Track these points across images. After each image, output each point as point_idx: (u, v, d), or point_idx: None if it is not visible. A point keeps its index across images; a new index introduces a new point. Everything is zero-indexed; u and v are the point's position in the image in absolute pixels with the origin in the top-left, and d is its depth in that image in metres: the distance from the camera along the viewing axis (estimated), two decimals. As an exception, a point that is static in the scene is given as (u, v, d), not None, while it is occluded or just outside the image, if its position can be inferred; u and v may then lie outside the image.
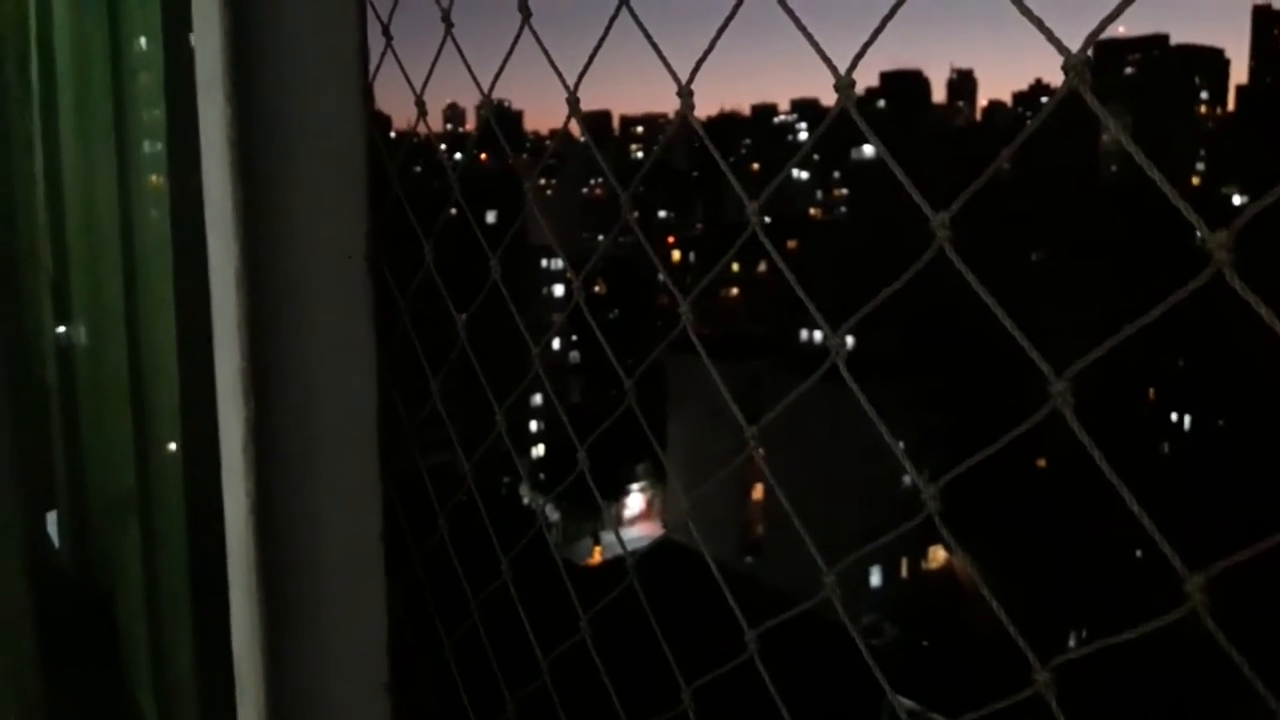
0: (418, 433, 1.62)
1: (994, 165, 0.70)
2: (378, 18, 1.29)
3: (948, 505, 0.79)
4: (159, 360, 1.76)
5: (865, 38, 0.75)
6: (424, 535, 1.54)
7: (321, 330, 1.13)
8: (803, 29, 0.81)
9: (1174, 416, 48.11)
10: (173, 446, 1.76)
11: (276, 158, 1.09)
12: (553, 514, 49.23)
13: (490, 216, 48.25)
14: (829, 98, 0.79)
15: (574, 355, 65.83)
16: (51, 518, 2.61)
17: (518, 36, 1.09)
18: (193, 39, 1.10)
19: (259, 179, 1.08)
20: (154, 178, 1.77)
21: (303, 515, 1.14)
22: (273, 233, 1.10)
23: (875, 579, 42.04)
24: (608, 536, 51.11)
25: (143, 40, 1.72)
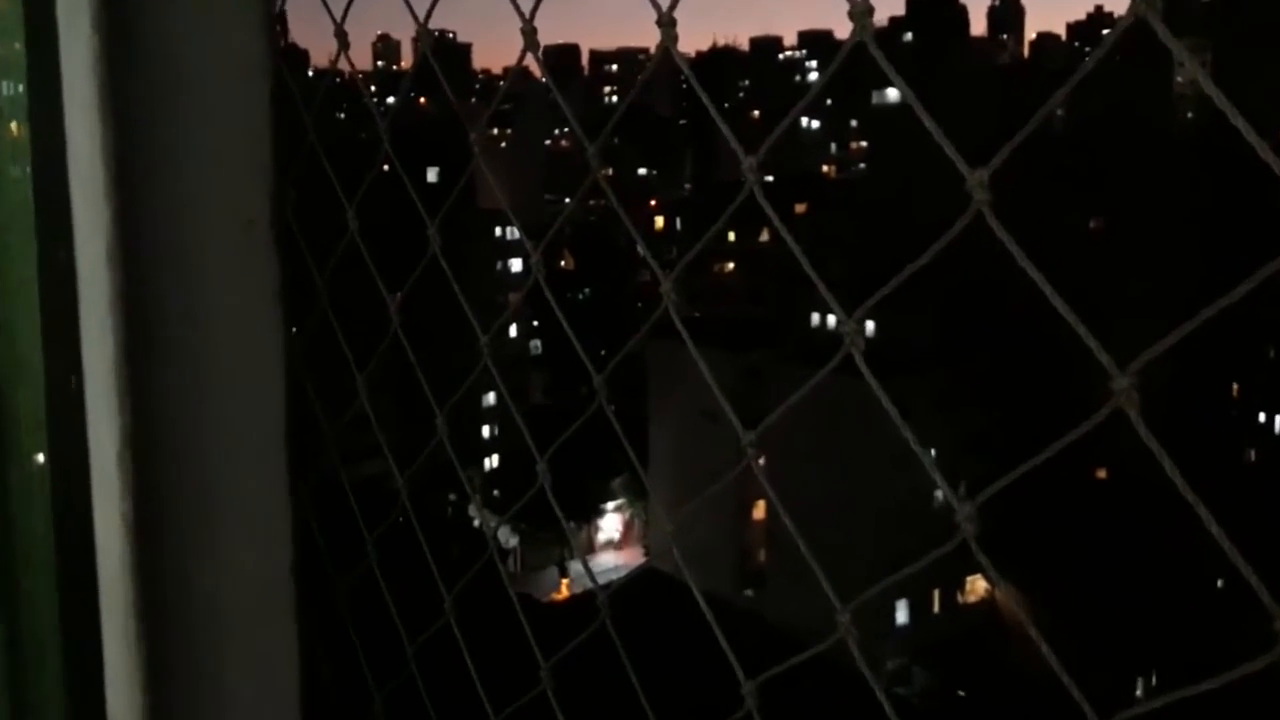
0: (340, 440, 1.61)
1: (1043, 111, 0.69)
2: (287, -72, 1.28)
3: (988, 526, 0.79)
4: (21, 353, 1.75)
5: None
6: (348, 567, 1.53)
7: (215, 315, 1.12)
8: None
9: (1262, 417, 48.60)
10: (39, 458, 1.75)
11: (157, 100, 1.08)
12: (509, 539, 49.23)
13: (431, 174, 48.07)
14: (844, 29, 0.79)
15: (535, 344, 65.84)
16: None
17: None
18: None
19: (135, 128, 1.07)
20: (13, 126, 1.75)
21: (193, 545, 1.13)
22: (153, 194, 1.08)
23: (901, 615, 42.30)
24: (576, 566, 51.15)
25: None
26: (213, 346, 1.13)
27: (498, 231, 58.97)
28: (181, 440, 1.12)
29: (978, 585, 44.20)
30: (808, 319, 48.88)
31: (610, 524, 58.44)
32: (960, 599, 44.35)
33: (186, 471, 1.12)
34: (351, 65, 1.46)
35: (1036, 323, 35.90)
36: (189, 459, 1.12)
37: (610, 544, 57.77)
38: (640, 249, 1.12)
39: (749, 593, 44.79)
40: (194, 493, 1.12)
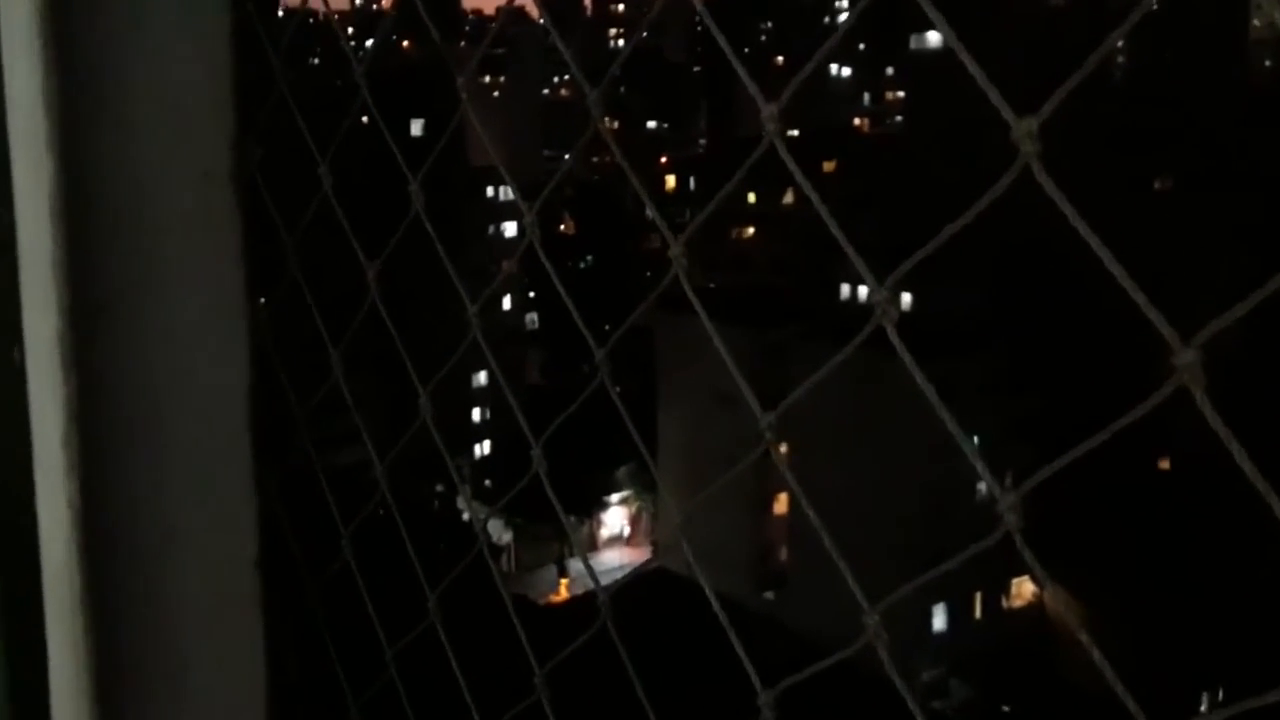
0: (313, 423, 1.62)
1: (1100, 52, 0.69)
2: None
3: (1037, 521, 0.79)
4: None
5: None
6: (321, 564, 1.54)
7: (171, 279, 1.12)
8: None
9: (1344, 401, 48.45)
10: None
11: (105, 38, 1.07)
12: (502, 534, 49.39)
13: (415, 126, 47.99)
14: (877, -38, 0.78)
15: (531, 318, 65.88)
16: None
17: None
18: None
19: (80, 69, 1.06)
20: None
21: (147, 534, 1.13)
22: (100, 143, 1.08)
23: (939, 621, 42.41)
24: (577, 564, 51.32)
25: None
26: (168, 314, 1.13)
27: (490, 191, 58.91)
28: (133, 418, 1.12)
29: (1025, 588, 44.26)
30: (837, 291, 48.84)
31: (614, 518, 58.56)
32: (1005, 603, 44.42)
33: (139, 453, 1.12)
34: (326, 3, 1.46)
35: (1093, 294, 35.86)
36: (142, 439, 1.12)
37: (615, 539, 57.95)
38: (649, 211, 1.12)
39: (769, 595, 44.90)
40: (147, 477, 1.13)
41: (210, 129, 1.13)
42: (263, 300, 1.31)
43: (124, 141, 1.09)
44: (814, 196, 0.96)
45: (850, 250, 0.91)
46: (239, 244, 1.15)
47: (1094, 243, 0.72)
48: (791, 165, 0.93)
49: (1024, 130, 0.72)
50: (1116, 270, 0.72)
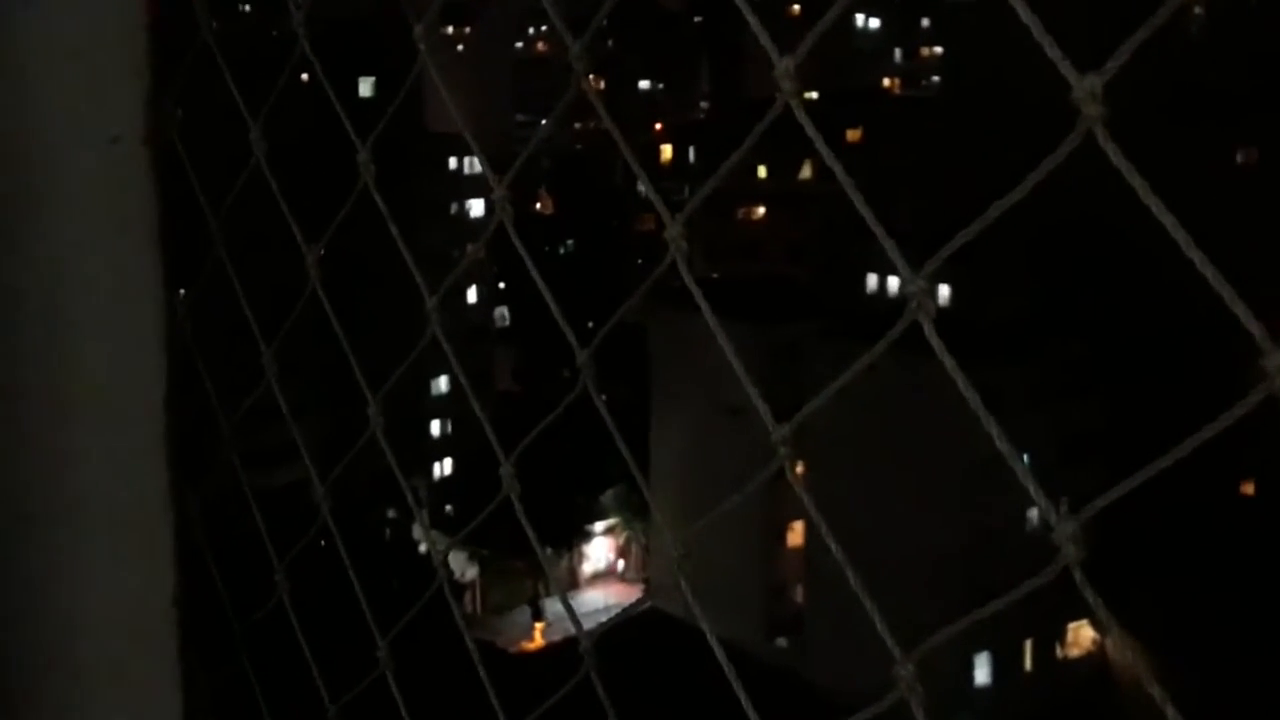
0: (242, 437, 1.61)
1: (1172, 1, 0.69)
2: None
3: (1100, 554, 0.79)
4: None
5: None
6: (251, 600, 1.54)
7: (73, 258, 1.12)
8: None
9: None
10: None
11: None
12: (466, 569, 49.40)
13: (364, 85, 48.02)
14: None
15: (502, 313, 65.92)
16: None
17: None
18: None
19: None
20: None
21: (46, 565, 1.13)
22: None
23: (982, 673, 42.46)
24: (555, 605, 51.36)
25: None
26: (68, 304, 1.12)
27: (453, 163, 58.95)
28: (29, 428, 1.12)
29: (1083, 634, 44.34)
30: (863, 281, 48.90)
31: (599, 550, 58.57)
32: (1060, 652, 44.49)
33: (32, 471, 1.12)
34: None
35: (1166, 285, 35.94)
36: (39, 453, 1.12)
37: (601, 575, 57.94)
38: (641, 186, 1.12)
39: (781, 641, 44.93)
40: (42, 498, 1.12)
41: (119, 86, 1.12)
42: (182, 290, 1.30)
43: (16, 96, 1.08)
44: (837, 169, 0.96)
45: (880, 233, 0.92)
46: (154, 221, 1.15)
47: (1169, 223, 0.72)
48: (811, 131, 0.94)
49: (1086, 90, 0.72)
50: (1195, 256, 0.72)
